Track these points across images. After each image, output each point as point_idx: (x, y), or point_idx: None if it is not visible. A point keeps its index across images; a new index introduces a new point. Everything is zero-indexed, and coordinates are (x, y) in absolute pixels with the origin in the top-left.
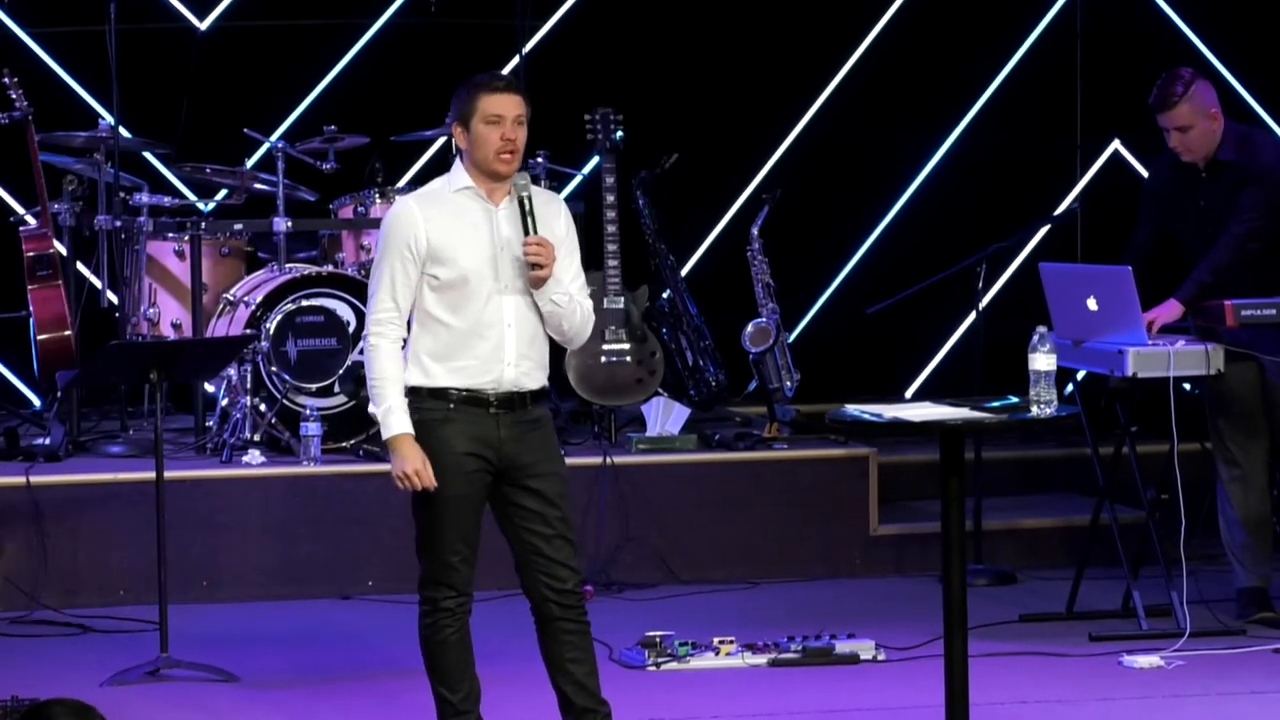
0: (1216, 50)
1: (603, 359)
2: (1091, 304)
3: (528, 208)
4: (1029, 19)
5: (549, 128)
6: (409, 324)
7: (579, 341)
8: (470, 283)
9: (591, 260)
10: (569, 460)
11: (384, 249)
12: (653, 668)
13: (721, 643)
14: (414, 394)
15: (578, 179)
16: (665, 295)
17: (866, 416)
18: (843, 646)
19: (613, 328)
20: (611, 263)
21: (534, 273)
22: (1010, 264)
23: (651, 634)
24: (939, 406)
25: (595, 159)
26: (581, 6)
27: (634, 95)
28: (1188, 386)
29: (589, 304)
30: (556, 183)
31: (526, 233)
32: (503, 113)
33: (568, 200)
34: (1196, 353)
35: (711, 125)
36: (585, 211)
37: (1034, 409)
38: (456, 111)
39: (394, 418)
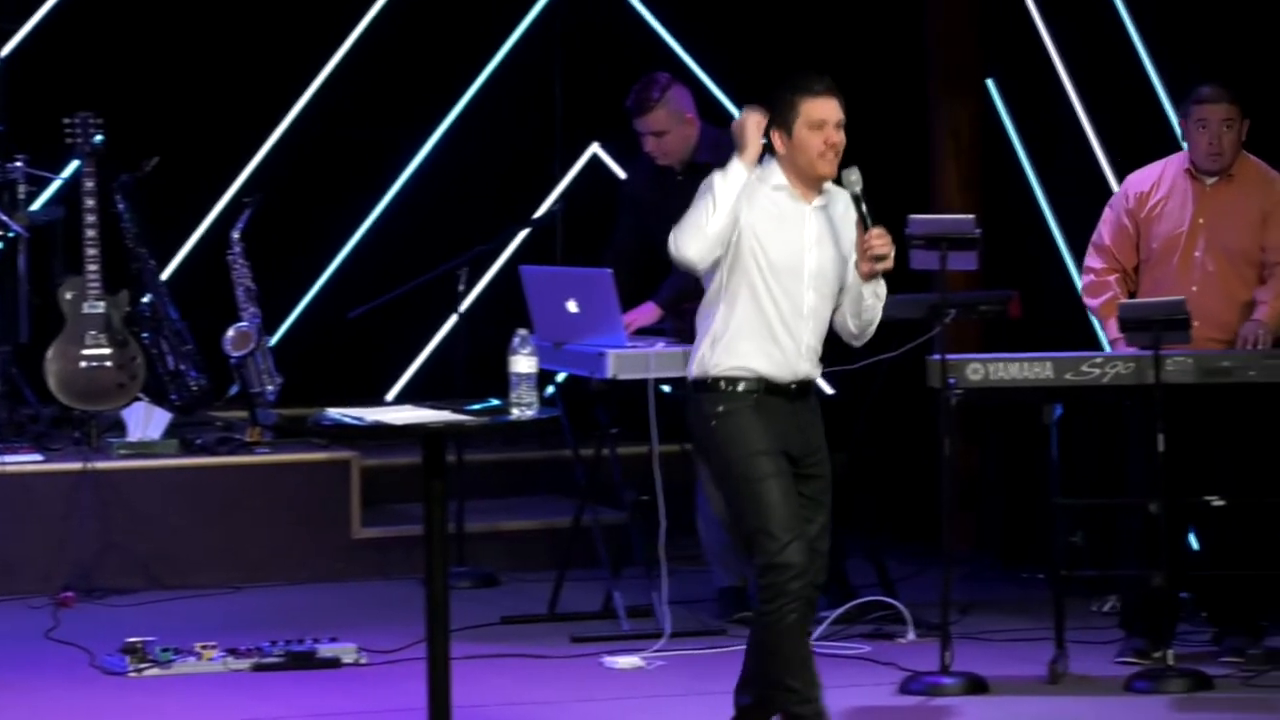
0: (695, 55)
1: (83, 364)
2: (572, 306)
3: (862, 202)
4: (509, 21)
5: (28, 132)
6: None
7: (868, 337)
8: (782, 275)
9: (71, 264)
10: (49, 466)
11: None
12: (134, 673)
13: (204, 648)
14: (716, 383)
15: (57, 183)
16: (146, 299)
17: (348, 420)
18: (325, 650)
19: (93, 332)
20: (91, 267)
21: (878, 264)
22: (491, 267)
23: (133, 640)
24: (421, 409)
25: (75, 163)
26: (60, 9)
27: (114, 99)
28: (667, 389)
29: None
30: (35, 187)
31: (866, 226)
32: (825, 117)
33: (47, 205)
34: (675, 355)
35: (193, 128)
36: (65, 216)
37: (515, 411)
38: (774, 116)
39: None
